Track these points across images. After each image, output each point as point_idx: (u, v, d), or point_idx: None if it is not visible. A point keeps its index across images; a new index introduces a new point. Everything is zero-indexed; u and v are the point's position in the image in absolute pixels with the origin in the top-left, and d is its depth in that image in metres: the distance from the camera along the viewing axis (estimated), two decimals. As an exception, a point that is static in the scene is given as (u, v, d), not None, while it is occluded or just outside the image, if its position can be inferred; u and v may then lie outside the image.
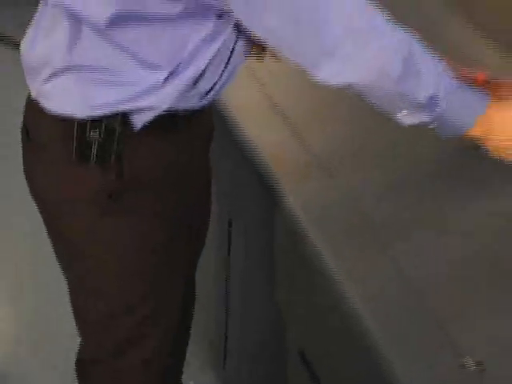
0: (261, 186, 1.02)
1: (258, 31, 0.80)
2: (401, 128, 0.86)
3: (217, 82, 0.91)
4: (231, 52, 0.89)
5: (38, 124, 0.94)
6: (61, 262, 1.01)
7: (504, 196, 0.93)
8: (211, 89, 0.91)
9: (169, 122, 0.90)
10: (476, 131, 0.81)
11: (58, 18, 0.86)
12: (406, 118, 0.82)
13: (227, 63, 0.90)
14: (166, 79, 0.85)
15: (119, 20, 0.84)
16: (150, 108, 0.87)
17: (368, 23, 0.79)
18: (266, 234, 1.05)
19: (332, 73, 0.78)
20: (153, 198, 0.93)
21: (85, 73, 0.89)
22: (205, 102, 0.91)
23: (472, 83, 0.89)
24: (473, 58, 1.12)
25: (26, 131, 0.96)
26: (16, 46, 0.99)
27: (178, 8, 0.81)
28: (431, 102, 0.78)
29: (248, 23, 0.80)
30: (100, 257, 0.96)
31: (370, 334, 0.74)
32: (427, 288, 0.79)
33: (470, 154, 0.90)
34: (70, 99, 0.90)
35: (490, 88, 0.91)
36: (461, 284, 0.81)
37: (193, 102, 0.91)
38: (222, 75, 0.90)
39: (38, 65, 0.91)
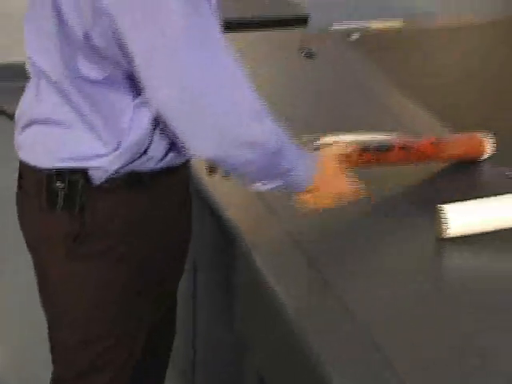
0: (223, 236, 1.14)
1: (152, 102, 0.88)
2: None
3: (171, 147, 0.96)
4: None
5: (22, 173, 1.02)
6: (43, 303, 1.09)
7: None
8: (167, 154, 0.96)
9: (133, 179, 0.97)
10: (310, 188, 0.98)
11: (31, 71, 0.95)
12: (266, 185, 0.96)
13: None
14: (111, 143, 0.93)
15: (65, 77, 0.92)
16: (100, 168, 0.93)
17: (250, 111, 0.88)
18: (227, 275, 1.15)
19: (207, 149, 0.89)
20: (117, 248, 0.99)
21: (46, 126, 0.95)
22: (163, 164, 0.97)
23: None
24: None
25: (20, 179, 1.05)
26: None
27: (103, 73, 0.89)
28: (288, 173, 0.93)
29: (147, 94, 0.87)
30: (72, 299, 1.04)
31: (320, 361, 0.85)
32: (369, 319, 0.90)
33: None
34: (36, 151, 0.97)
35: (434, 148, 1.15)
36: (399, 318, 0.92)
37: (150, 165, 0.96)
38: (173, 141, 0.95)
39: (17, 118, 0.99)
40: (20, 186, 1.03)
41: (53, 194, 0.95)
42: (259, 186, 0.96)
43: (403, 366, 0.80)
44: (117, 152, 0.92)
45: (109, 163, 0.92)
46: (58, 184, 0.95)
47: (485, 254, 1.07)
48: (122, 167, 0.93)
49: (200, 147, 0.88)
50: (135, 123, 0.92)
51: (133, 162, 0.94)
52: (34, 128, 0.96)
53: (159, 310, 1.10)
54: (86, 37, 0.86)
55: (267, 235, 1.10)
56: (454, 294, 0.97)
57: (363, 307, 0.91)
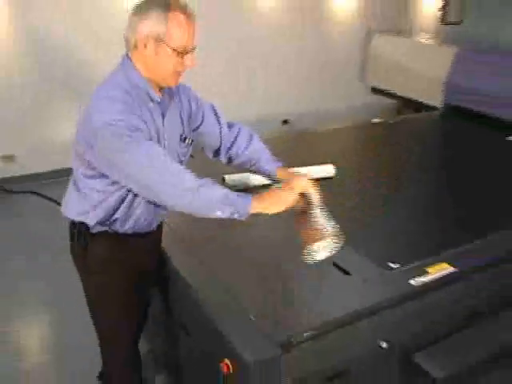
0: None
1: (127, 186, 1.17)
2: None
3: (126, 219, 1.23)
4: (129, 202, 1.21)
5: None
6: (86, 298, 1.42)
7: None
8: (125, 221, 1.25)
9: (112, 235, 1.26)
10: (254, 211, 1.17)
11: None
12: (220, 214, 1.15)
13: (130, 207, 1.22)
14: (92, 208, 1.23)
15: (75, 169, 1.23)
16: (87, 221, 1.24)
17: (185, 187, 1.11)
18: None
19: (173, 205, 1.15)
20: (110, 270, 1.29)
21: (68, 197, 1.31)
22: (126, 227, 1.25)
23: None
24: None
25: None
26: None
27: (92, 172, 1.19)
28: (228, 208, 1.14)
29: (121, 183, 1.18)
30: (89, 297, 1.35)
31: (216, 318, 1.18)
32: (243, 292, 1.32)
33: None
34: (67, 209, 1.30)
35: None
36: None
37: (116, 226, 1.25)
38: (126, 215, 1.24)
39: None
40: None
41: (72, 235, 1.29)
42: (219, 215, 1.13)
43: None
44: (93, 213, 1.24)
45: (90, 219, 1.25)
46: (73, 230, 1.28)
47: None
48: (100, 222, 1.22)
49: (170, 205, 1.15)
50: (106, 200, 1.23)
51: (105, 221, 1.22)
52: (66, 199, 1.31)
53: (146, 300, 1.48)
54: (82, 153, 1.18)
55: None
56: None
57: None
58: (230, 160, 1.45)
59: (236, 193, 1.14)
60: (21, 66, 3.43)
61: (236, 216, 1.14)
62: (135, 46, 1.15)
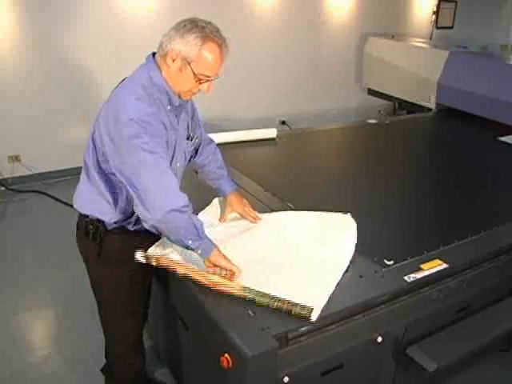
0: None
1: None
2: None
3: (140, 221, 1.24)
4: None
5: (79, 219, 1.34)
6: (93, 290, 1.43)
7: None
8: (136, 221, 1.30)
9: (125, 230, 1.31)
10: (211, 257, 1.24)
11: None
12: (190, 244, 1.19)
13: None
14: (112, 207, 1.27)
15: (92, 166, 1.22)
16: (106, 220, 1.29)
17: (173, 202, 1.13)
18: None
19: (147, 218, 1.16)
20: (121, 262, 1.33)
21: (83, 193, 1.30)
22: (136, 227, 1.31)
23: None
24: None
25: (77, 223, 1.37)
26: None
27: (109, 168, 1.20)
28: (196, 245, 1.20)
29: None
30: (101, 287, 1.37)
31: (215, 313, 1.18)
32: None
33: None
34: (80, 205, 1.31)
35: None
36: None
37: (129, 226, 1.32)
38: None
39: (76, 190, 1.36)
40: (77, 226, 1.40)
41: (87, 232, 1.31)
42: (190, 244, 1.18)
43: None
44: (113, 213, 1.26)
45: (109, 218, 1.27)
46: (90, 226, 1.30)
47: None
48: (116, 222, 1.27)
49: (149, 216, 1.14)
50: (124, 202, 1.24)
51: (123, 221, 1.27)
52: (79, 194, 1.33)
53: (148, 289, 1.50)
54: (100, 148, 1.18)
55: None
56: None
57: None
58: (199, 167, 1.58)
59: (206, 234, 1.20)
60: (29, 72, 3.45)
61: (197, 251, 1.17)
62: (166, 55, 1.18)
